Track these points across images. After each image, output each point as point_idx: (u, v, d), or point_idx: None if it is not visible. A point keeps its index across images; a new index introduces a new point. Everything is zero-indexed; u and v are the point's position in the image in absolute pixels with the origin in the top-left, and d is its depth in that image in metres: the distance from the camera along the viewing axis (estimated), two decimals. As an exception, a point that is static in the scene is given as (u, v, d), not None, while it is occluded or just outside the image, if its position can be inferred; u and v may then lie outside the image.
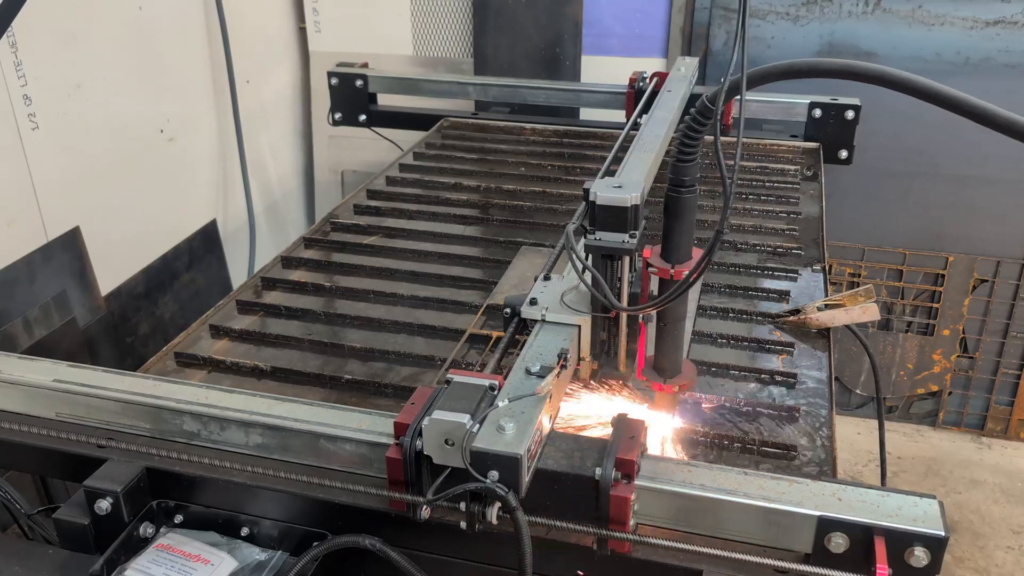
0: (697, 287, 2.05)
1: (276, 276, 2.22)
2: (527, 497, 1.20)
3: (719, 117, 1.26)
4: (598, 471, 1.19)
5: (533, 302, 1.53)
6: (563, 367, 1.35)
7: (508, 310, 1.56)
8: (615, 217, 1.42)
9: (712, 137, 1.24)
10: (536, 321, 1.50)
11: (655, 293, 1.46)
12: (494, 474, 1.16)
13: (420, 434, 1.20)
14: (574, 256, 1.43)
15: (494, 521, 1.20)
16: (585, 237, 1.46)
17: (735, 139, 3.15)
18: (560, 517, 1.23)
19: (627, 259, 1.44)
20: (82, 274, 2.83)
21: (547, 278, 1.60)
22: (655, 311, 1.45)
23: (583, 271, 1.41)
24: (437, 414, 1.19)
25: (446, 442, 1.18)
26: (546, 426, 1.28)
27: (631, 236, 1.42)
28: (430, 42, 4.08)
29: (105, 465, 1.38)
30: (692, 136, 1.33)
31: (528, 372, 1.33)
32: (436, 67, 4.10)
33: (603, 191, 1.42)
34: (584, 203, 1.45)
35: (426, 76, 3.49)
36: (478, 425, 1.19)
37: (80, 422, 1.49)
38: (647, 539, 1.22)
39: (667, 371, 1.49)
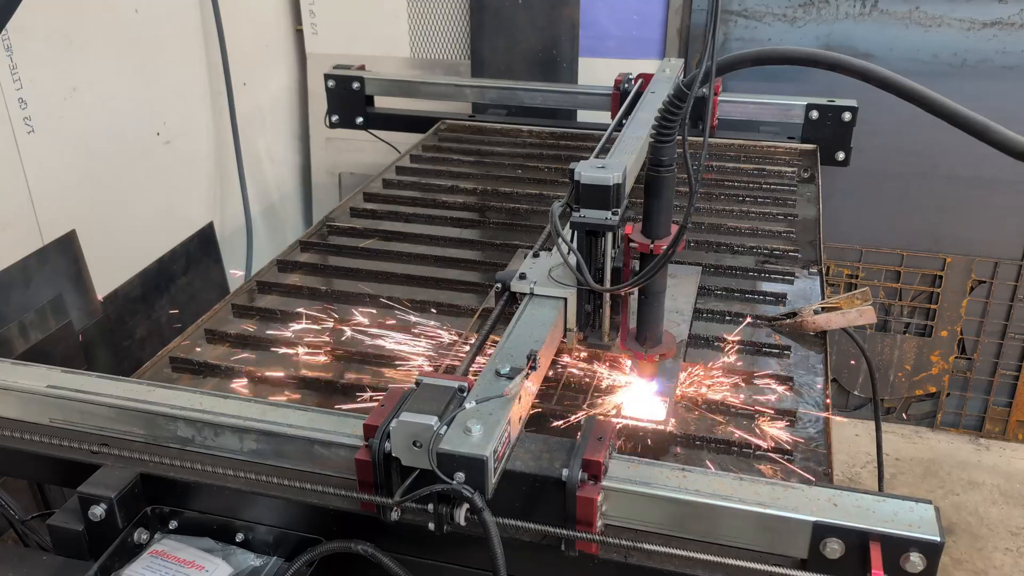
0: (695, 282, 2.04)
1: (272, 280, 2.22)
2: (496, 498, 1.20)
3: (689, 107, 1.33)
4: (565, 472, 1.20)
5: (522, 276, 1.62)
6: (532, 369, 1.36)
7: (499, 284, 1.64)
8: (599, 195, 1.52)
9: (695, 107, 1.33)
10: (525, 294, 1.59)
11: (636, 268, 1.55)
12: (461, 475, 1.16)
13: (389, 436, 1.20)
14: (560, 240, 1.52)
15: (462, 522, 1.20)
16: (571, 215, 1.55)
17: (727, 140, 3.15)
18: (530, 518, 1.23)
19: (610, 235, 1.54)
20: (78, 278, 2.82)
21: (536, 255, 1.70)
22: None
23: (568, 252, 1.52)
24: (405, 416, 1.19)
25: (414, 444, 1.18)
26: (515, 427, 1.28)
27: (614, 213, 1.52)
28: (427, 44, 4.07)
29: (99, 471, 1.38)
30: (669, 119, 1.40)
31: (497, 374, 1.34)
32: (433, 69, 4.09)
33: (587, 171, 1.52)
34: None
35: (423, 78, 3.49)
36: (445, 427, 1.19)
37: (74, 428, 1.48)
38: (611, 540, 1.22)
39: (648, 342, 1.60)
